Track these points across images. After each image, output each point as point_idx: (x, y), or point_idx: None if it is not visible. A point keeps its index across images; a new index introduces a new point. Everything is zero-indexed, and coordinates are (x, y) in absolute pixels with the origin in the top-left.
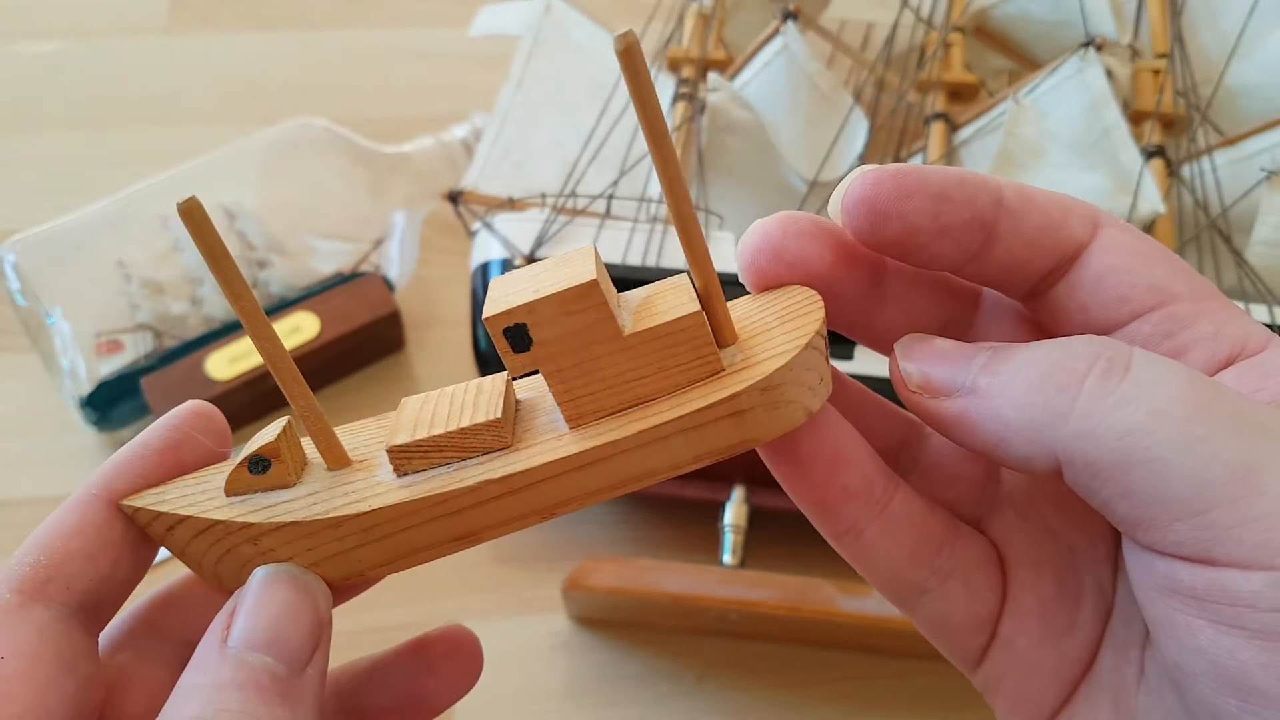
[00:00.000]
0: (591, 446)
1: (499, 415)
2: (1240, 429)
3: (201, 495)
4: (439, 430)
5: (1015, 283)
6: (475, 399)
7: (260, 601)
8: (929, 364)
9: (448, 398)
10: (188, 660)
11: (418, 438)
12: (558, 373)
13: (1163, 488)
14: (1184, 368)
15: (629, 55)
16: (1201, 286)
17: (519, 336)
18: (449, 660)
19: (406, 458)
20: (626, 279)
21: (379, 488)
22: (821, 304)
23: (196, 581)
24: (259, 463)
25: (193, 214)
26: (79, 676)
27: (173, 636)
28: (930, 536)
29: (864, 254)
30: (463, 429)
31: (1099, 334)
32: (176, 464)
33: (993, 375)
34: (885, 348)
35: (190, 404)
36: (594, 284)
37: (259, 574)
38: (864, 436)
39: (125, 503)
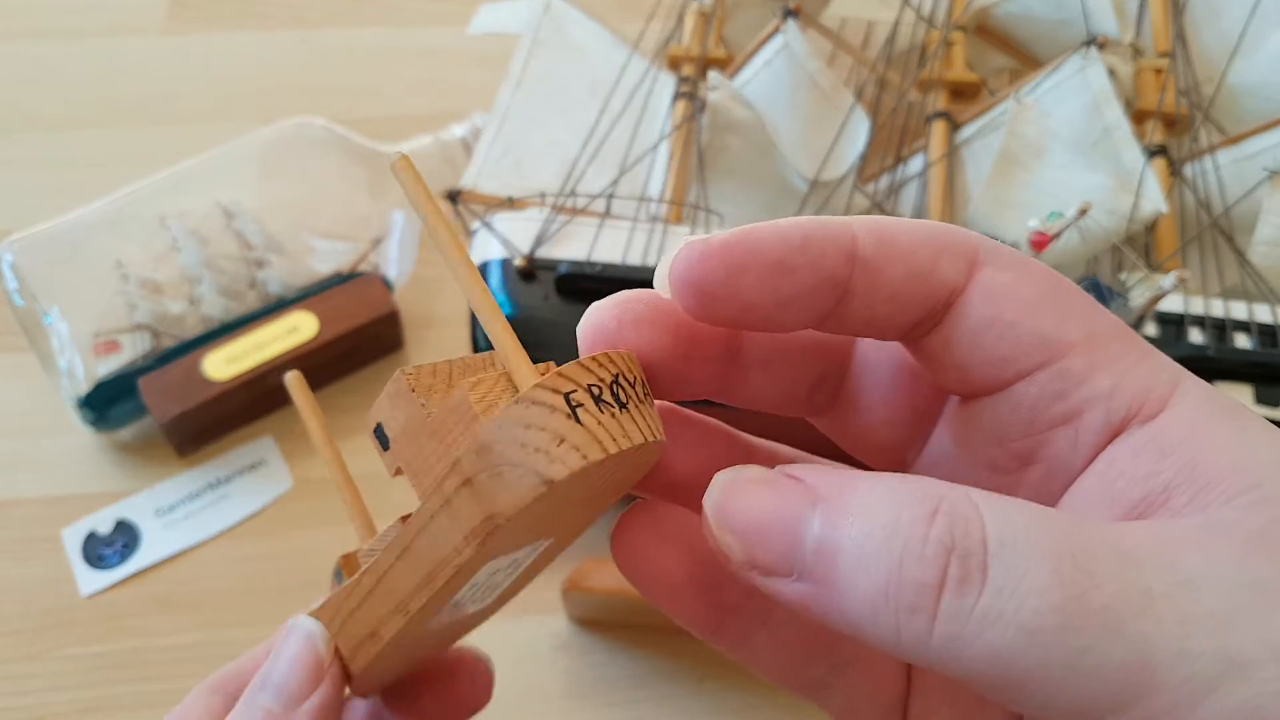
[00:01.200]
0: (396, 537)
1: (396, 522)
2: (1124, 618)
3: None
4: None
5: (881, 333)
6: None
7: (274, 651)
8: (751, 539)
9: None
10: None
11: (359, 547)
12: (408, 469)
13: (1049, 704)
14: (1048, 536)
15: (398, 170)
16: (1099, 327)
17: (381, 436)
18: (457, 682)
19: (349, 568)
20: (626, 279)
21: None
22: (593, 362)
23: None
24: (338, 573)
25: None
26: None
27: None
28: (820, 629)
29: (710, 330)
30: (372, 538)
31: (984, 394)
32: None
33: (830, 562)
34: (759, 407)
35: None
36: (400, 373)
37: (280, 630)
38: None
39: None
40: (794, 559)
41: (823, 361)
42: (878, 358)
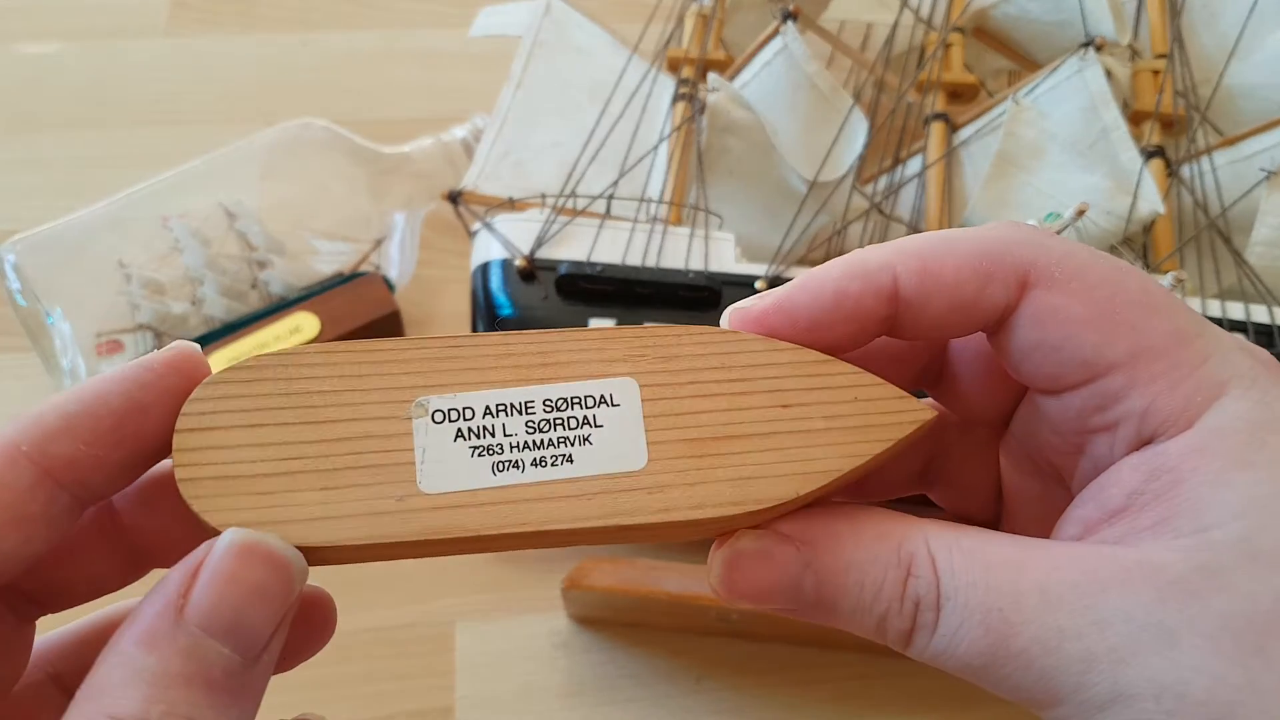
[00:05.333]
0: None
1: None
2: (1036, 656)
3: None
4: None
5: (940, 341)
6: None
7: (229, 576)
8: (760, 600)
9: None
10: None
11: None
12: None
13: (1018, 690)
14: (984, 591)
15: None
16: (1148, 343)
17: None
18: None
19: None
20: (626, 279)
21: None
22: None
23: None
24: None
25: None
26: None
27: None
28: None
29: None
30: None
31: (1042, 394)
32: (135, 433)
33: (830, 606)
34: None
35: (173, 352)
36: None
37: (233, 537)
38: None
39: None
40: (797, 604)
41: (922, 358)
42: (964, 344)
